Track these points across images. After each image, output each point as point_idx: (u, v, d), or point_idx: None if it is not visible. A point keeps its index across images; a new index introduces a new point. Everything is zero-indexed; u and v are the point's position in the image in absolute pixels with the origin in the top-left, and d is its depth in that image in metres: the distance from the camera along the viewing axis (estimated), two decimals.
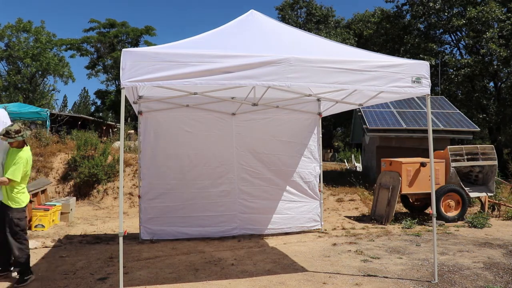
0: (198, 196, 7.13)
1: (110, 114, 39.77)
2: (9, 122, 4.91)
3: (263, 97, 6.36)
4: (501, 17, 20.04)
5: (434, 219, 4.84)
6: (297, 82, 4.25)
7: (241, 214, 7.32)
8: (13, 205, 4.65)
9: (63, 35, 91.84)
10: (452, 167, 9.03)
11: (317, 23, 34.85)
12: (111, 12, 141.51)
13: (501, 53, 19.22)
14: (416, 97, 14.10)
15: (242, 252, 6.15)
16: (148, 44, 35.56)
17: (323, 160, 11.12)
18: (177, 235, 7.03)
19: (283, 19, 33.72)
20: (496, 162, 9.24)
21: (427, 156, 6.44)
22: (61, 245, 6.65)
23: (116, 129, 25.21)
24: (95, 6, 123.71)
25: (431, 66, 6.86)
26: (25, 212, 4.82)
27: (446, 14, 22.56)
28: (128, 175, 12.00)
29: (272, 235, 7.36)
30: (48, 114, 17.16)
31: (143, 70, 3.92)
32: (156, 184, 6.95)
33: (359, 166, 19.42)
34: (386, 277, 4.87)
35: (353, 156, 23.72)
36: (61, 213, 8.75)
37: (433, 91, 20.82)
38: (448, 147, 9.31)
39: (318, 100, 7.43)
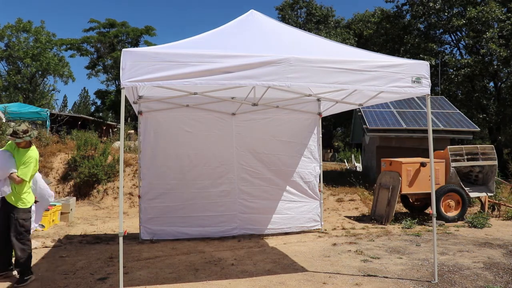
0: (198, 196, 7.14)
1: (110, 114, 39.78)
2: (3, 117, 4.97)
3: (263, 97, 6.36)
4: (501, 17, 20.04)
5: (434, 219, 4.84)
6: (297, 82, 4.25)
7: (241, 214, 7.32)
8: (20, 205, 4.65)
9: (63, 35, 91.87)
10: (452, 167, 9.03)
11: (317, 23, 34.84)
12: (111, 12, 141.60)
13: (501, 53, 19.21)
14: (416, 97, 14.09)
15: (242, 252, 6.15)
16: (148, 44, 35.59)
17: (323, 160, 11.11)
18: (177, 235, 7.03)
19: (283, 19, 33.72)
20: (496, 162, 9.24)
21: (427, 156, 6.44)
22: (61, 245, 6.65)
23: (116, 129, 25.21)
24: (95, 6, 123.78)
25: (431, 66, 6.86)
26: (30, 213, 4.81)
27: (446, 14, 22.56)
28: (128, 175, 12.00)
29: (272, 235, 7.36)
30: (48, 114, 17.17)
31: (143, 70, 3.92)
32: (156, 184, 6.95)
33: (359, 166, 19.42)
34: (386, 277, 4.87)
35: (353, 156, 23.72)
36: (61, 213, 8.76)
37: (433, 91, 20.82)
38: (448, 147, 9.31)
39: (318, 100, 7.43)
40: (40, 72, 29.20)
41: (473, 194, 9.10)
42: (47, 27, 59.95)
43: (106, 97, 36.91)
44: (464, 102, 22.29)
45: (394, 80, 4.51)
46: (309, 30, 30.23)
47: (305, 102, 7.41)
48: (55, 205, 8.53)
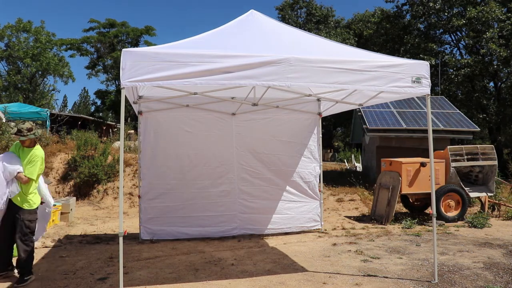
0: (198, 196, 7.14)
1: (110, 114, 39.78)
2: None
3: (263, 97, 6.36)
4: (501, 17, 20.04)
5: (434, 219, 4.84)
6: (297, 82, 4.25)
7: (241, 214, 7.32)
8: (25, 207, 4.63)
9: (63, 35, 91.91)
10: (452, 167, 9.03)
11: (317, 23, 34.84)
12: (111, 12, 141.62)
13: (501, 53, 19.22)
14: (416, 97, 14.10)
15: (242, 252, 6.15)
16: (148, 44, 35.58)
17: (323, 160, 11.12)
18: (177, 235, 7.03)
19: (283, 19, 33.72)
20: (496, 162, 9.24)
21: (427, 156, 6.44)
22: (61, 245, 6.66)
23: (116, 129, 25.21)
24: (95, 6, 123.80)
25: (431, 66, 6.87)
26: (36, 214, 4.78)
27: (446, 14, 22.56)
28: (128, 175, 12.00)
29: (272, 235, 7.36)
30: (48, 114, 17.15)
31: (143, 70, 3.92)
32: (156, 184, 6.95)
33: (359, 166, 19.42)
34: (386, 277, 4.87)
35: (353, 156, 23.72)
36: (61, 213, 8.75)
37: (433, 91, 20.83)
38: (448, 147, 9.31)
39: (318, 100, 7.43)
40: (40, 72, 29.19)
41: (473, 194, 9.11)
42: (47, 27, 60.06)
43: (106, 97, 36.90)
44: (464, 102, 22.29)
45: (394, 80, 4.51)
46: (309, 30, 30.24)
47: (305, 102, 7.41)
48: (55, 205, 8.53)
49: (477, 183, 9.43)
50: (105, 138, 16.44)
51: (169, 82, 4.01)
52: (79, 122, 26.45)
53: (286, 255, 5.95)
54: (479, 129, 14.55)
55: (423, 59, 18.49)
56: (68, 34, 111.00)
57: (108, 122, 32.44)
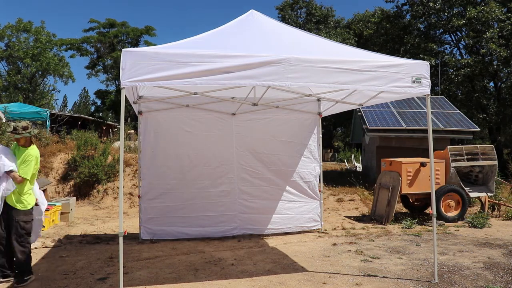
0: (198, 196, 7.14)
1: (110, 114, 39.78)
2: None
3: (263, 97, 6.36)
4: (501, 17, 20.03)
5: (434, 219, 4.84)
6: (297, 82, 4.25)
7: (241, 214, 7.32)
8: (20, 207, 4.58)
9: (63, 35, 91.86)
10: (452, 167, 9.03)
11: (317, 23, 34.84)
12: (111, 12, 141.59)
13: (501, 53, 19.21)
14: (416, 97, 14.09)
15: (242, 252, 6.15)
16: (148, 44, 35.57)
17: (323, 160, 11.11)
18: (177, 235, 7.03)
19: (283, 19, 33.72)
20: (496, 162, 9.24)
21: (427, 156, 6.44)
22: (61, 245, 6.66)
23: (116, 129, 25.22)
24: (95, 6, 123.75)
25: (431, 66, 6.86)
26: (32, 215, 4.74)
27: (446, 14, 22.56)
28: (128, 175, 12.00)
29: (272, 235, 7.36)
30: (48, 114, 17.16)
31: (143, 70, 3.92)
32: (156, 184, 6.95)
33: (359, 166, 19.42)
34: (386, 277, 4.87)
35: (353, 156, 23.72)
36: (61, 213, 8.76)
37: (433, 91, 20.82)
38: (448, 147, 9.31)
39: (318, 100, 7.43)
40: (40, 72, 29.20)
41: (473, 194, 9.11)
42: (47, 27, 59.99)
43: (106, 97, 36.90)
44: (464, 102, 22.29)
45: (394, 80, 4.51)
46: (309, 30, 30.23)
47: (305, 102, 7.41)
48: (55, 205, 8.53)
49: (477, 183, 9.43)
50: (105, 138, 16.44)
51: (169, 82, 4.01)
52: (79, 122, 26.44)
53: (286, 255, 5.95)
54: (479, 129, 14.55)
55: (423, 59, 18.49)
56: (68, 34, 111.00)
57: (108, 122, 32.44)
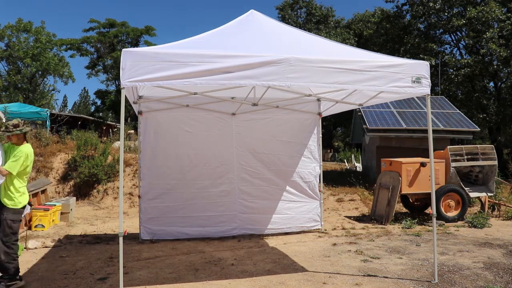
0: (198, 196, 7.14)
1: (110, 114, 39.78)
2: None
3: (263, 97, 6.36)
4: (501, 17, 20.03)
5: (434, 219, 4.84)
6: (297, 82, 4.25)
7: (241, 214, 7.32)
8: (9, 204, 4.43)
9: (63, 35, 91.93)
10: (452, 167, 9.03)
11: (317, 23, 34.84)
12: (111, 12, 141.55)
13: (501, 53, 19.21)
14: (416, 97, 14.10)
15: (242, 252, 6.15)
16: (148, 44, 35.57)
17: (323, 160, 11.12)
18: (177, 235, 7.03)
19: (283, 19, 33.72)
20: (496, 162, 9.24)
21: (427, 156, 6.44)
22: (61, 245, 6.65)
23: (116, 129, 25.21)
24: (95, 6, 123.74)
25: (431, 66, 6.87)
26: (20, 215, 4.57)
27: (446, 14, 22.56)
28: (128, 175, 12.00)
29: (272, 235, 7.36)
30: (48, 114, 17.17)
31: (143, 70, 3.92)
32: (156, 184, 6.95)
33: (359, 166, 19.42)
34: (386, 277, 4.87)
35: (353, 156, 23.72)
36: (61, 213, 8.76)
37: (433, 91, 20.82)
38: (448, 147, 9.31)
39: (318, 100, 7.43)
40: (40, 72, 29.20)
41: (473, 194, 9.11)
42: (47, 27, 59.91)
43: (106, 97, 36.89)
44: (464, 102, 22.29)
45: (394, 80, 4.51)
46: (309, 30, 30.23)
47: (305, 102, 7.41)
48: (55, 205, 8.53)
49: (477, 183, 9.43)
50: (105, 138, 16.44)
51: (169, 82, 4.01)
52: (79, 122, 26.45)
53: (286, 255, 5.95)
54: (479, 129, 14.55)
55: (423, 59, 18.49)
56: (68, 34, 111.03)
57: (108, 122, 32.45)
